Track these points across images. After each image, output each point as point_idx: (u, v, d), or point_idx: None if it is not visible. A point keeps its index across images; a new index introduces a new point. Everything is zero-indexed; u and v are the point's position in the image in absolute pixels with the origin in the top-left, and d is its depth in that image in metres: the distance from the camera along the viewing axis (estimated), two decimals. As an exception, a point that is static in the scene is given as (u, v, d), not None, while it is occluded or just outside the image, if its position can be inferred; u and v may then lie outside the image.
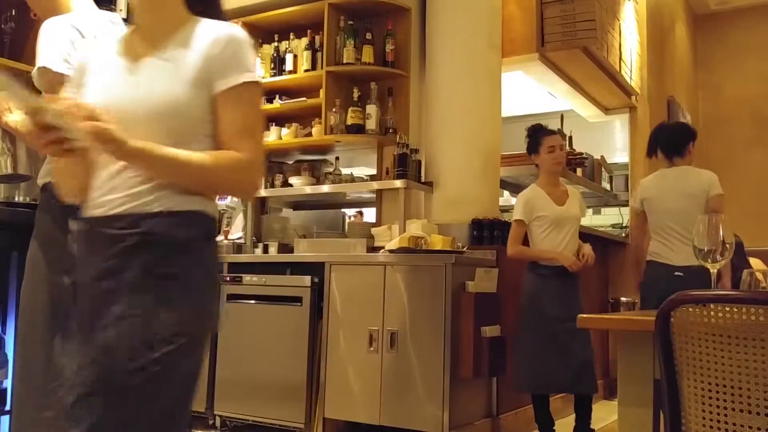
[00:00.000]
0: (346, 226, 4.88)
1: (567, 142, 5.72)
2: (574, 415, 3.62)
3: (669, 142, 3.72)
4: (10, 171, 2.24)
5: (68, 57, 1.87)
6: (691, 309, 1.28)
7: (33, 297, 1.93)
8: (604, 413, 4.36)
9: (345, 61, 4.49)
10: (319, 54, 4.64)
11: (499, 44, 4.54)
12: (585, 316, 1.81)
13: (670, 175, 3.70)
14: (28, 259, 1.96)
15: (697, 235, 1.78)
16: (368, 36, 4.51)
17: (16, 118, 1.97)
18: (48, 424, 1.86)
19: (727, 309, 1.23)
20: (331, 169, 4.75)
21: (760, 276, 1.75)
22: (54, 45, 1.88)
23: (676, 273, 3.49)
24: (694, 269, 2.89)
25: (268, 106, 4.89)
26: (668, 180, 3.68)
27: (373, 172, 4.67)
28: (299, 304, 3.78)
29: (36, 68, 1.89)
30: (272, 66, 4.88)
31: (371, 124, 4.42)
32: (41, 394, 1.87)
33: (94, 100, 1.42)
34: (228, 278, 4.03)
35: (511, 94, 4.88)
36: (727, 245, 1.75)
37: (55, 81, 1.87)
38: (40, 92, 1.93)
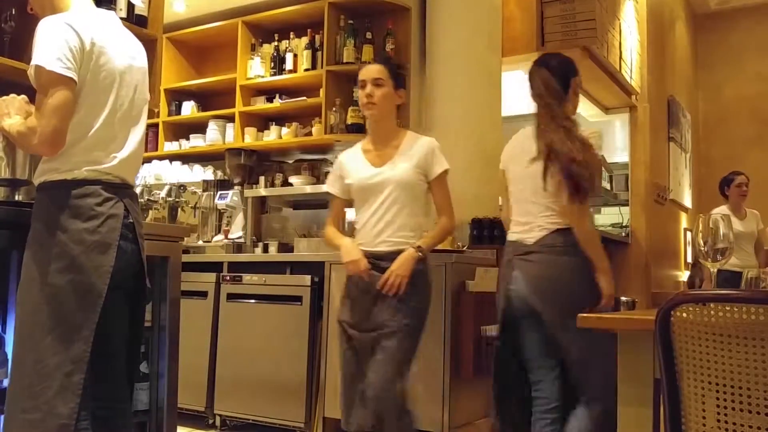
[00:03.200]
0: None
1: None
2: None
3: None
4: (8, 176, 2.24)
5: (62, 56, 1.88)
6: (691, 308, 1.28)
7: (27, 297, 1.93)
8: (603, 413, 4.35)
9: (345, 61, 4.49)
10: (319, 53, 4.64)
11: (500, 43, 4.54)
12: (585, 315, 1.80)
13: None
14: (24, 259, 1.96)
15: (697, 234, 1.78)
16: (368, 35, 4.51)
17: (12, 121, 1.97)
18: (33, 426, 1.86)
19: (727, 308, 1.23)
20: (331, 169, 4.75)
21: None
22: (49, 44, 1.89)
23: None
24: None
25: (268, 105, 4.90)
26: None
27: (373, 171, 4.66)
28: (299, 303, 3.78)
29: (31, 66, 1.90)
30: (272, 65, 4.88)
31: (371, 124, 4.42)
32: (29, 395, 1.87)
33: None
34: (228, 278, 4.03)
35: (511, 93, 4.88)
36: (727, 245, 1.75)
37: (49, 79, 1.87)
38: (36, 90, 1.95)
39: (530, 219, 2.47)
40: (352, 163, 2.77)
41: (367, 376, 2.52)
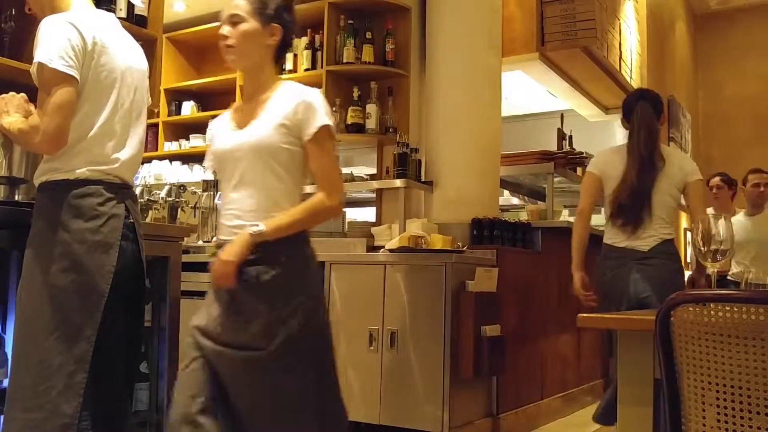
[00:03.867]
0: (346, 226, 4.88)
1: (567, 141, 5.72)
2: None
3: None
4: (6, 173, 2.24)
5: (65, 54, 1.89)
6: (691, 308, 1.28)
7: (29, 297, 1.93)
8: (603, 413, 4.35)
9: (345, 61, 4.49)
10: (319, 53, 4.63)
11: (499, 44, 4.54)
12: (585, 315, 1.80)
13: None
14: (25, 258, 1.97)
15: (696, 235, 1.78)
16: (368, 35, 4.51)
17: (11, 119, 1.97)
18: (36, 426, 1.85)
19: (727, 308, 1.23)
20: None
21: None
22: (51, 42, 1.90)
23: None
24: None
25: (268, 105, 4.89)
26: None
27: (373, 171, 4.66)
28: (299, 303, 3.77)
29: (34, 64, 1.91)
30: (272, 65, 4.88)
31: (371, 124, 4.41)
32: (32, 394, 1.87)
33: None
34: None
35: (511, 93, 4.89)
36: (724, 246, 1.75)
37: (52, 77, 1.87)
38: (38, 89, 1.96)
39: (639, 227, 2.92)
40: (219, 127, 2.14)
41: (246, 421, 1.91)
